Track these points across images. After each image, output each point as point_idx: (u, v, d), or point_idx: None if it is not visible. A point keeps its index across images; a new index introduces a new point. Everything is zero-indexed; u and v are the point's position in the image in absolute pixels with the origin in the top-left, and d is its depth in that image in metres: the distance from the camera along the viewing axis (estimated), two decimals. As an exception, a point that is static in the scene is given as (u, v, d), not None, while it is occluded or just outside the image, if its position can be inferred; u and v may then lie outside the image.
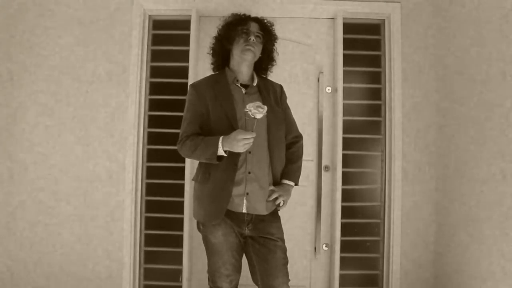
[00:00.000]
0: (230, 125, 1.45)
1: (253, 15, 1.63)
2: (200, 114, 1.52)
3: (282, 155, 1.60)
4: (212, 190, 1.48)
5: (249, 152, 1.48)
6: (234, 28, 1.54)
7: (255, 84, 1.59)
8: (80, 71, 2.31)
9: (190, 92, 1.56)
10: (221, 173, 1.46)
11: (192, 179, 1.67)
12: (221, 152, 1.41)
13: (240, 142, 1.36)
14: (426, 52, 2.31)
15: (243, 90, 1.55)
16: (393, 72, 2.30)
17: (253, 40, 1.52)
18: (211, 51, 1.66)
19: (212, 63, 1.67)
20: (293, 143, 1.68)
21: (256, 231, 1.50)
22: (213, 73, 1.68)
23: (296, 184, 1.64)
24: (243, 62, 1.56)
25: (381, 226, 2.36)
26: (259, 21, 1.59)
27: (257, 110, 1.33)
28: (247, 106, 1.36)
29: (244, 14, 1.61)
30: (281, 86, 1.71)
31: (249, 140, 1.36)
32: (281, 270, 1.47)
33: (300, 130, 1.75)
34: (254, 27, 1.55)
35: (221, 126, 1.45)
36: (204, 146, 1.44)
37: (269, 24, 1.62)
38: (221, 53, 1.62)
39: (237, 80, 1.57)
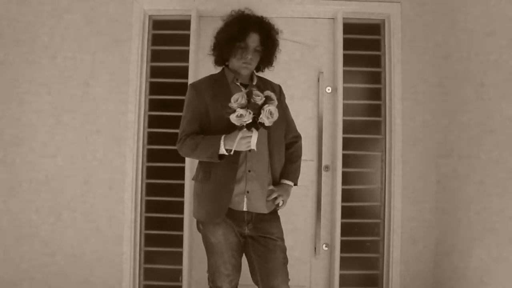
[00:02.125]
0: (230, 124, 1.43)
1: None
2: (199, 113, 1.52)
3: (282, 154, 1.60)
4: (213, 188, 1.49)
5: (249, 151, 1.47)
6: (233, 43, 1.49)
7: (254, 83, 1.60)
8: (80, 71, 2.31)
9: (189, 91, 1.57)
10: (222, 171, 1.47)
11: (192, 179, 1.67)
12: (222, 150, 1.41)
13: (242, 140, 1.36)
14: (426, 52, 2.31)
15: (243, 89, 1.55)
16: (393, 72, 2.30)
17: (251, 58, 1.50)
18: (211, 52, 1.64)
19: (213, 59, 1.66)
20: (292, 143, 1.68)
21: (256, 231, 1.51)
22: (214, 68, 1.68)
23: (295, 184, 1.64)
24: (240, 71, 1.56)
25: (381, 226, 2.36)
26: (261, 31, 1.52)
27: (266, 117, 1.32)
28: (233, 100, 1.34)
29: (247, 17, 1.53)
30: (280, 87, 1.71)
31: (251, 138, 1.36)
32: (281, 269, 1.47)
33: (300, 130, 1.75)
34: (253, 41, 1.49)
35: (220, 125, 1.45)
36: (205, 145, 1.44)
37: (272, 34, 1.55)
38: (221, 56, 1.61)
39: (237, 79, 1.57)
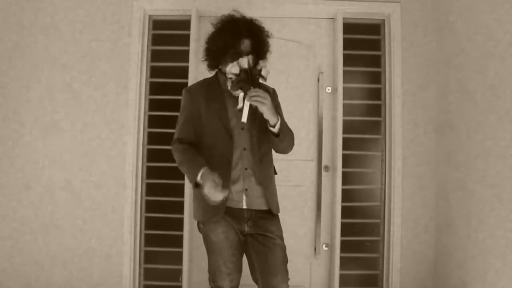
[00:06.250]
0: (222, 125, 1.50)
1: (250, 15, 1.60)
2: (193, 116, 1.56)
3: (270, 155, 1.60)
4: None
5: (244, 149, 1.52)
6: (226, 50, 1.51)
7: None
8: (80, 71, 2.31)
9: (184, 96, 1.61)
10: (217, 171, 1.46)
11: None
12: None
13: (211, 189, 1.32)
14: (426, 52, 2.31)
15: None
16: (393, 72, 2.30)
17: None
18: (204, 58, 1.64)
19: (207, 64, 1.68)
20: None
21: (255, 228, 1.52)
22: (209, 72, 1.70)
23: (276, 134, 1.51)
24: None
25: (381, 226, 2.36)
26: (253, 36, 1.54)
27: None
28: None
29: (238, 23, 1.54)
30: (273, 90, 1.70)
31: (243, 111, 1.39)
32: (280, 268, 1.47)
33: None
34: (246, 46, 1.52)
35: (213, 126, 1.51)
36: (187, 167, 1.46)
37: (263, 38, 1.57)
38: (214, 62, 1.61)
39: None
